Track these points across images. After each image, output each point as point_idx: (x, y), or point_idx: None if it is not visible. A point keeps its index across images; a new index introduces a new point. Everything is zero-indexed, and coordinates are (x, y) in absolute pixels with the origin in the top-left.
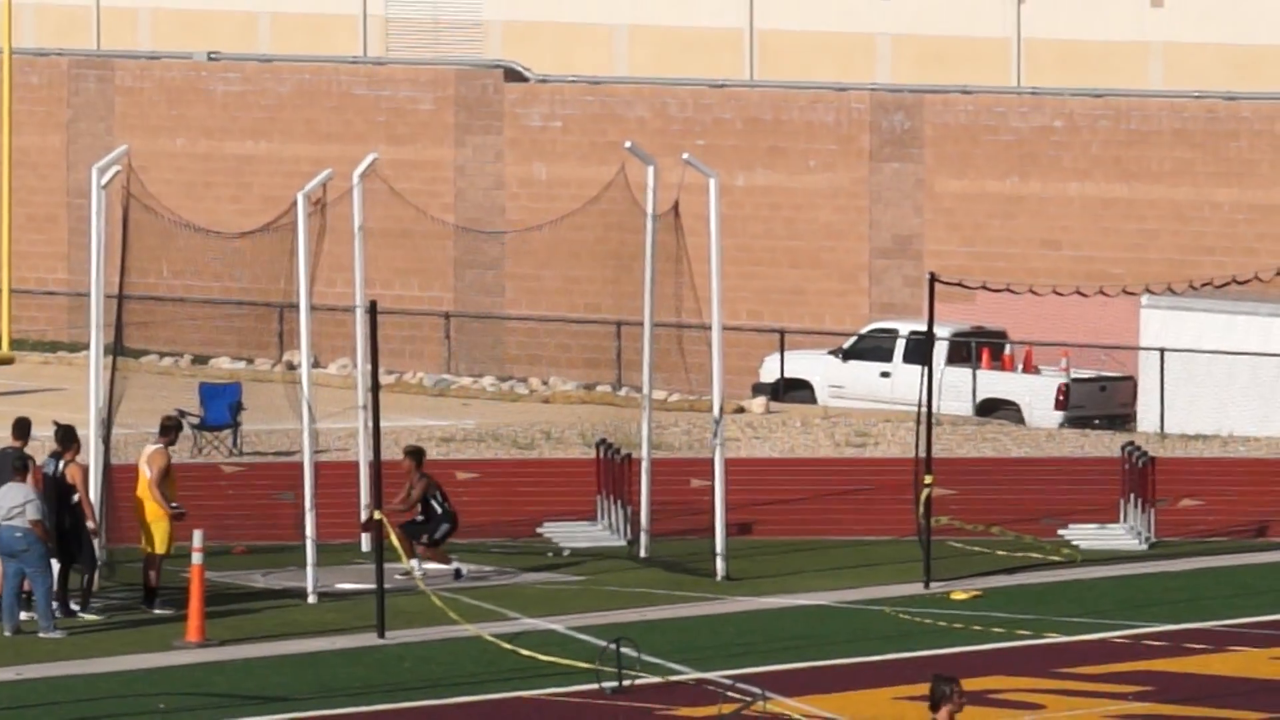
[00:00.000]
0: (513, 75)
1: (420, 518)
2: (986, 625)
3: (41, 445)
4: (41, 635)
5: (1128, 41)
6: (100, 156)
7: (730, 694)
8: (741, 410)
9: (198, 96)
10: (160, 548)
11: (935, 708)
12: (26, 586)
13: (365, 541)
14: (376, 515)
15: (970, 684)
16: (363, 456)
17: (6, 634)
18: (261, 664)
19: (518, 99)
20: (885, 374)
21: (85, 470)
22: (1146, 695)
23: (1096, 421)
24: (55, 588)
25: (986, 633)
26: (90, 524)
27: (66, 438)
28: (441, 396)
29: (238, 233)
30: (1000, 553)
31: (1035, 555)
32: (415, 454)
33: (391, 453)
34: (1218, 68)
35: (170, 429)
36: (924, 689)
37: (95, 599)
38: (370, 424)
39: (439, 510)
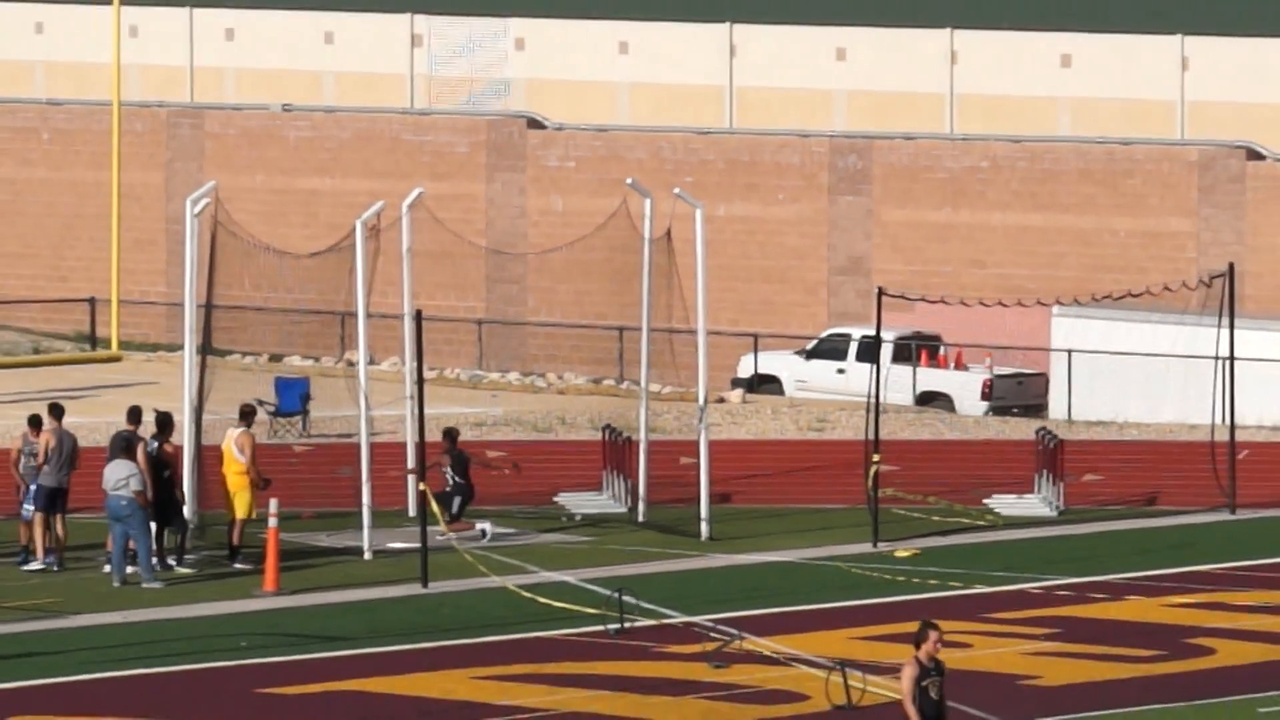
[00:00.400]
0: (534, 124)
1: (449, 488)
2: (924, 578)
3: (147, 428)
4: (144, 585)
5: (1042, 96)
6: (193, 190)
7: (713, 634)
8: (722, 400)
9: (273, 141)
10: (242, 513)
11: (917, 645)
12: (131, 546)
13: (412, 508)
14: (421, 487)
15: (910, 627)
16: (409, 438)
17: (115, 584)
18: (325, 610)
19: (538, 143)
20: (841, 370)
21: (178, 449)
22: (1056, 636)
23: (1015, 410)
24: (154, 547)
25: (924, 584)
26: (177, 494)
27: (163, 423)
28: (474, 389)
29: (307, 253)
30: (935, 518)
31: (964, 520)
32: (448, 434)
33: (433, 435)
34: (1116, 118)
35: (248, 414)
36: (874, 630)
37: (188, 555)
38: (416, 411)
39: (457, 482)
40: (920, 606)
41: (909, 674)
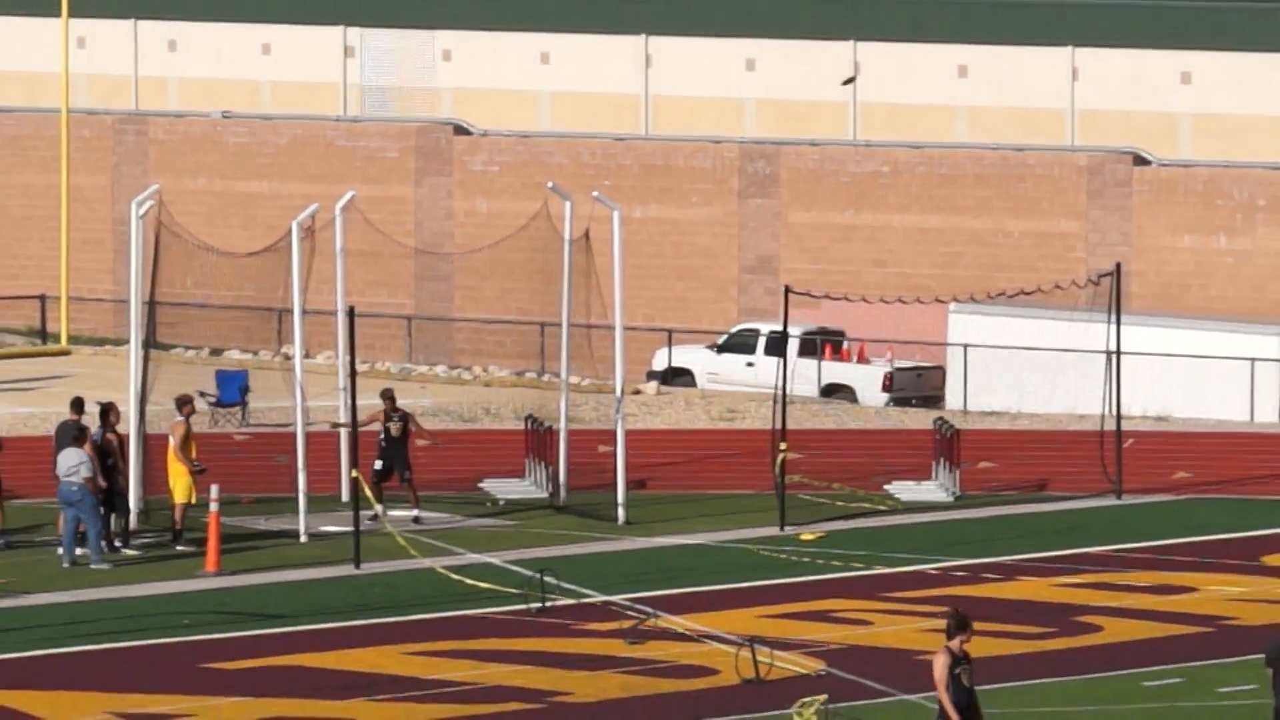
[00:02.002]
0: (460, 130)
1: (379, 464)
2: (828, 559)
3: (93, 418)
4: (93, 566)
5: (939, 104)
6: (138, 193)
7: (629, 612)
8: (638, 392)
9: (214, 147)
10: (182, 498)
11: (950, 636)
12: (81, 529)
13: (345, 493)
14: (353, 474)
15: (815, 605)
16: (341, 428)
17: (65, 565)
18: (264, 589)
19: (464, 149)
20: (750, 364)
21: (122, 439)
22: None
23: (914, 401)
24: (102, 530)
25: (828, 565)
26: (121, 480)
27: (105, 412)
28: (404, 381)
29: (246, 253)
30: (839, 503)
31: (866, 505)
32: (387, 395)
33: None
34: (1010, 125)
35: (183, 403)
36: (781, 609)
37: (134, 538)
38: (349, 402)
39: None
40: (824, 587)
41: (942, 662)
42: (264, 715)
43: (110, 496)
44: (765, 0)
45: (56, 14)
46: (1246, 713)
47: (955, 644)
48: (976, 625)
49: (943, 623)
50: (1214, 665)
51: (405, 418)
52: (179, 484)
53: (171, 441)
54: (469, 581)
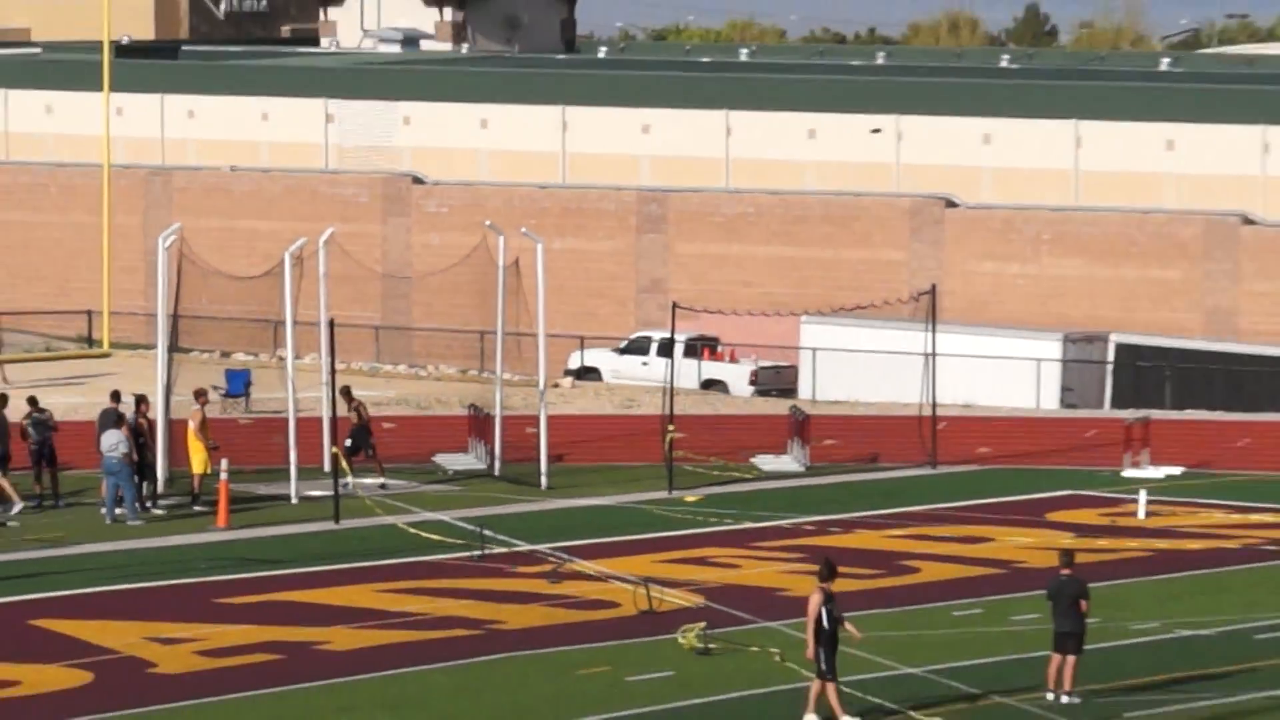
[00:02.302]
0: (417, 180)
1: (349, 442)
2: (706, 517)
3: (128, 406)
4: (129, 523)
5: (793, 160)
6: (163, 230)
7: (551, 557)
8: (557, 385)
9: (223, 194)
10: (199, 469)
11: (823, 580)
12: (119, 494)
13: (326, 464)
14: (333, 450)
15: (695, 553)
16: (325, 413)
17: (107, 522)
18: (263, 540)
19: (420, 195)
20: (645, 363)
21: (151, 423)
22: (803, 559)
23: (773, 392)
24: (136, 494)
25: (706, 521)
26: (150, 455)
27: (139, 402)
28: (373, 377)
29: (248, 276)
30: (714, 472)
31: (735, 474)
32: (345, 391)
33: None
34: (848, 176)
35: (199, 394)
36: (670, 555)
37: (161, 501)
38: (330, 394)
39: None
40: (703, 538)
41: (815, 600)
42: (264, 639)
43: (142, 468)
44: (656, 78)
45: (99, 89)
46: (1031, 636)
47: (828, 586)
48: (810, 572)
49: (797, 565)
50: (1007, 599)
51: (360, 406)
52: (196, 458)
53: (191, 425)
54: (425, 535)
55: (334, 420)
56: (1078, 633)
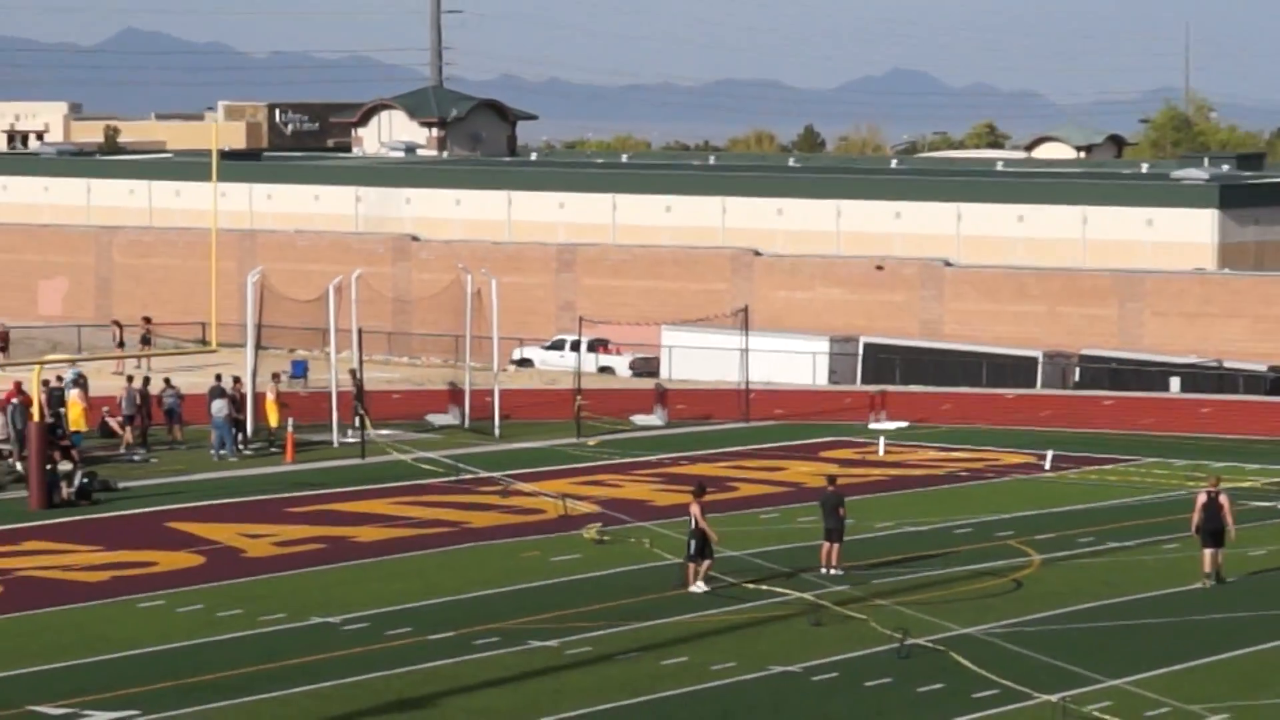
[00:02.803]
0: (415, 239)
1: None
2: (603, 456)
3: (228, 383)
4: (229, 460)
5: (655, 226)
6: (251, 271)
7: (501, 481)
8: (506, 370)
9: (290, 248)
10: (274, 424)
11: (697, 496)
12: (222, 441)
13: (356, 420)
14: (361, 411)
15: (595, 478)
16: (356, 389)
17: (215, 459)
18: (315, 471)
19: (417, 248)
20: (562, 356)
21: (243, 394)
22: (663, 480)
23: (645, 374)
24: (234, 440)
25: (603, 457)
26: (242, 415)
27: (237, 380)
28: (386, 365)
29: (307, 300)
30: (606, 426)
31: (621, 427)
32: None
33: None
34: (691, 236)
35: (275, 376)
36: (580, 479)
37: (249, 445)
38: (358, 376)
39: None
40: (600, 469)
41: (697, 510)
42: (315, 534)
43: (238, 423)
44: (568, 173)
45: (210, 179)
46: (811, 531)
47: (705, 499)
48: (676, 486)
49: (661, 485)
50: (794, 507)
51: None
52: (273, 416)
53: (269, 395)
54: (423, 465)
55: (359, 394)
56: (839, 528)
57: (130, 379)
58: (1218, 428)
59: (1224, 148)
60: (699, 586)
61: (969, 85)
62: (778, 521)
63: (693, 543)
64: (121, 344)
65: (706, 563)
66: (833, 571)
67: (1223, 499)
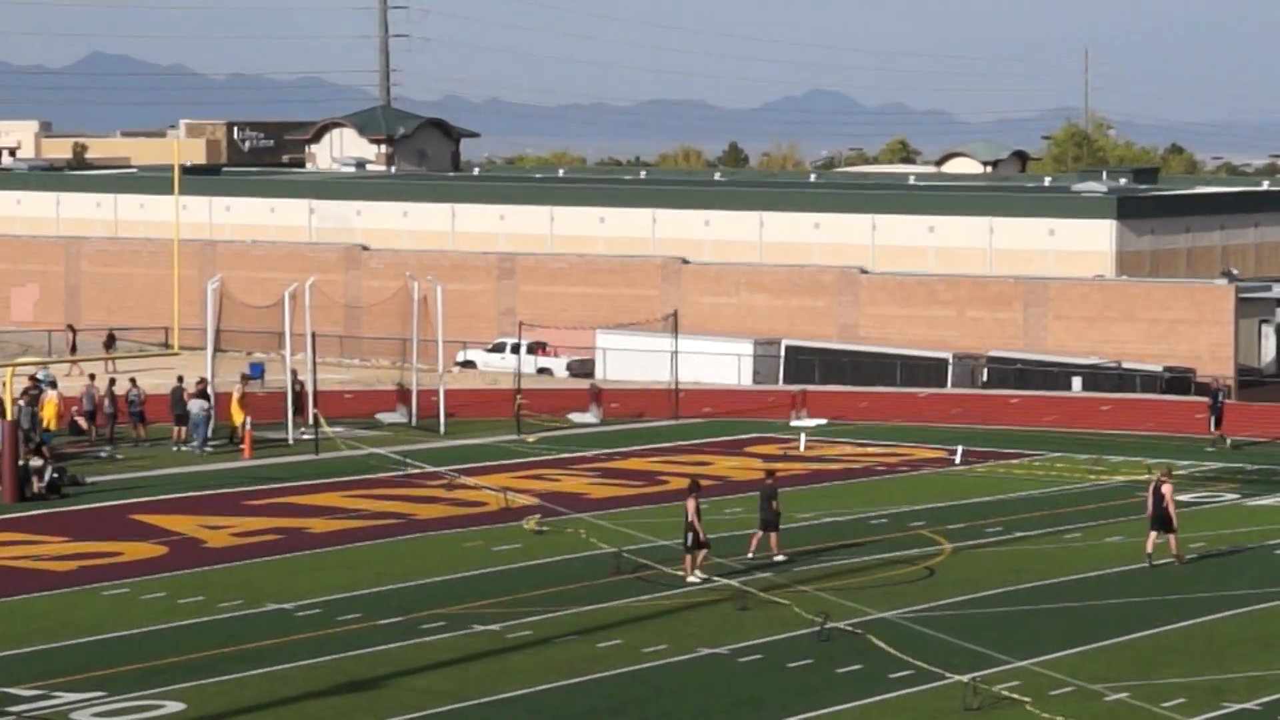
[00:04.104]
0: (365, 248)
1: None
2: (550, 451)
3: (189, 385)
4: (197, 453)
5: (589, 236)
6: (210, 278)
7: (446, 475)
8: (450, 371)
9: (247, 257)
10: (237, 422)
11: (691, 492)
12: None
13: (310, 419)
14: (315, 410)
15: (535, 472)
16: (310, 389)
17: (197, 453)
18: (272, 466)
19: (368, 257)
20: (503, 358)
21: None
22: (599, 474)
23: (581, 375)
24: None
25: (542, 453)
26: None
27: (202, 381)
28: (338, 367)
29: (263, 305)
30: (545, 423)
31: (558, 425)
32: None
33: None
34: (625, 247)
35: (243, 378)
36: (521, 474)
37: (212, 441)
38: (312, 377)
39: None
40: (539, 464)
41: (693, 505)
42: (272, 525)
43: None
44: (508, 186)
45: (172, 193)
46: (736, 520)
47: (698, 494)
48: (614, 480)
49: (596, 479)
50: (722, 500)
51: (301, 384)
52: (235, 415)
53: (234, 394)
54: (372, 461)
55: (314, 393)
56: (771, 519)
57: (93, 377)
58: (1116, 424)
59: (1121, 163)
60: (696, 577)
61: (882, 105)
62: (707, 512)
63: (690, 535)
64: (74, 348)
65: (702, 553)
66: (777, 558)
67: (1165, 489)
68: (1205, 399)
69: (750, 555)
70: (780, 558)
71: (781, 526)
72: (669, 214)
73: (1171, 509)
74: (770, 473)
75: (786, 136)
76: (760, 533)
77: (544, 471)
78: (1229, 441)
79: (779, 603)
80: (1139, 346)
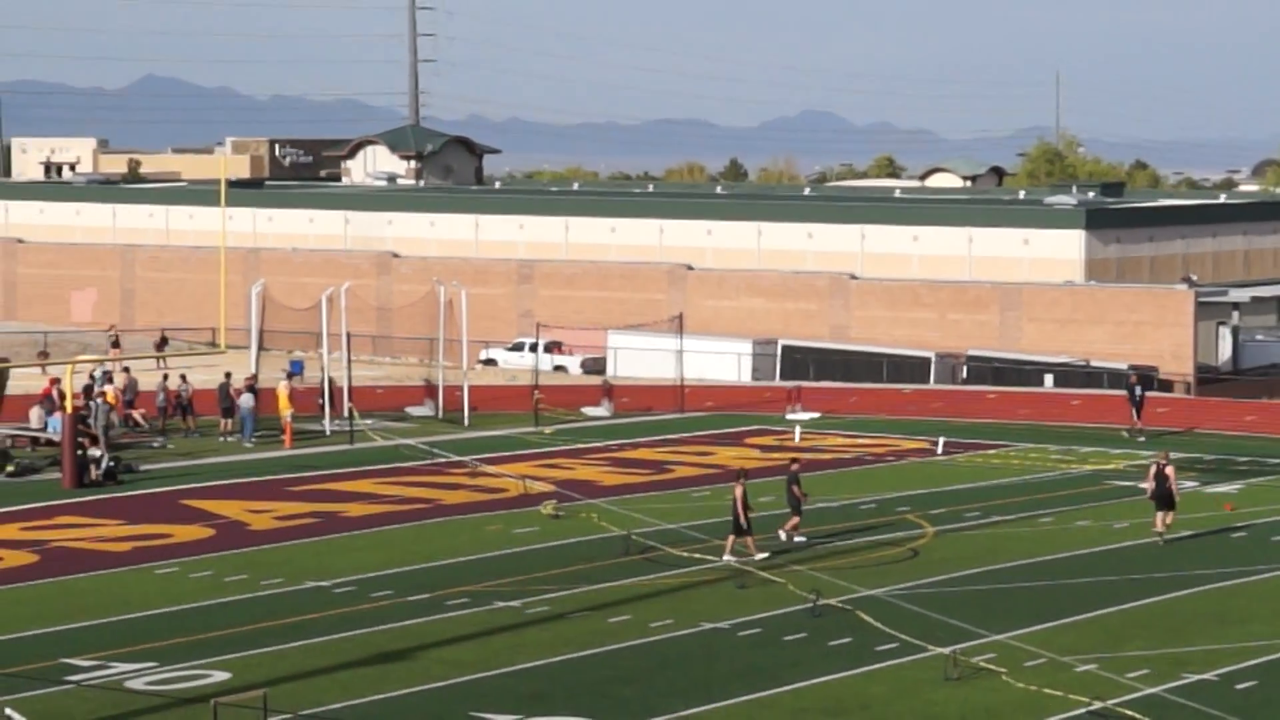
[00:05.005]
0: (396, 255)
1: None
2: (562, 442)
3: (237, 380)
4: (244, 445)
5: (603, 244)
6: (254, 283)
7: (469, 462)
8: (475, 369)
9: (289, 264)
10: (286, 413)
11: (739, 479)
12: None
13: (345, 412)
14: (349, 404)
15: (552, 462)
16: (345, 385)
17: (232, 441)
18: (311, 455)
19: (398, 264)
20: (522, 356)
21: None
22: (612, 464)
23: (594, 372)
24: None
25: (558, 444)
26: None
27: (253, 378)
28: (371, 364)
29: (303, 308)
30: (561, 416)
31: (573, 418)
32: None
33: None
34: (634, 254)
35: (287, 375)
36: (541, 463)
37: (259, 433)
38: (347, 374)
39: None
40: (556, 454)
41: (740, 492)
42: (310, 510)
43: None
44: (527, 198)
45: (219, 204)
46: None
47: (744, 482)
48: (626, 469)
49: (607, 468)
50: (722, 487)
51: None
52: (285, 407)
53: (283, 390)
54: (403, 450)
55: (348, 389)
56: (795, 503)
57: (127, 370)
58: (1085, 418)
59: (1090, 177)
60: (727, 558)
61: (871, 124)
62: (709, 499)
63: (741, 520)
64: (116, 344)
65: (747, 538)
66: (795, 539)
67: (1169, 470)
68: (1123, 392)
69: (783, 536)
70: (799, 538)
71: (779, 511)
72: (675, 224)
73: (1174, 489)
74: (793, 460)
75: (782, 153)
76: (795, 518)
77: (560, 461)
78: (1135, 432)
79: (776, 581)
80: (1106, 346)
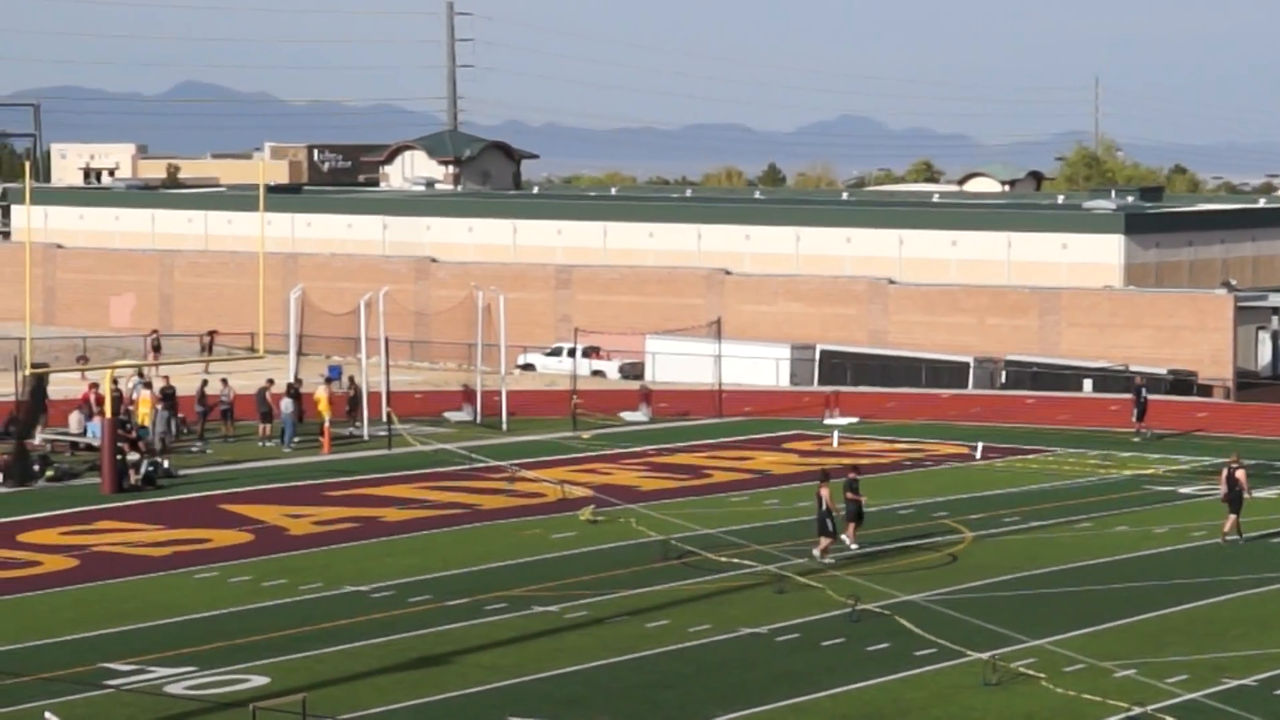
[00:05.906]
0: (434, 260)
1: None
2: (600, 447)
3: (279, 387)
4: (284, 450)
5: (641, 249)
6: (293, 288)
7: (508, 467)
8: (513, 373)
9: (328, 268)
10: (327, 417)
11: (823, 481)
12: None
13: (383, 417)
14: (388, 409)
15: (589, 467)
16: (383, 390)
17: (270, 445)
18: (349, 460)
19: (436, 269)
20: (560, 361)
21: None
22: (650, 469)
23: (632, 377)
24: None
25: (596, 449)
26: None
27: (297, 382)
28: (409, 369)
29: (341, 313)
30: (599, 421)
31: (611, 422)
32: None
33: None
34: (673, 260)
35: (325, 380)
36: (576, 468)
37: (297, 438)
38: (385, 380)
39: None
40: (594, 459)
41: (826, 493)
42: (348, 515)
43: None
44: (565, 203)
45: (257, 210)
46: (773, 511)
47: (829, 482)
48: (662, 474)
49: (647, 473)
50: (763, 492)
51: (356, 387)
52: (325, 411)
53: (324, 395)
54: (441, 454)
55: (386, 393)
56: (852, 510)
57: (224, 380)
58: (1124, 423)
59: (1128, 182)
60: (817, 554)
61: (908, 128)
62: (747, 504)
63: (827, 521)
64: (157, 348)
65: (825, 540)
66: (854, 546)
67: (1239, 473)
68: (1130, 395)
69: (853, 545)
70: (857, 546)
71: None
72: (712, 229)
73: (1246, 491)
74: (854, 467)
75: (820, 158)
76: (852, 524)
77: (598, 465)
78: (1150, 434)
79: (814, 586)
80: (1145, 351)
